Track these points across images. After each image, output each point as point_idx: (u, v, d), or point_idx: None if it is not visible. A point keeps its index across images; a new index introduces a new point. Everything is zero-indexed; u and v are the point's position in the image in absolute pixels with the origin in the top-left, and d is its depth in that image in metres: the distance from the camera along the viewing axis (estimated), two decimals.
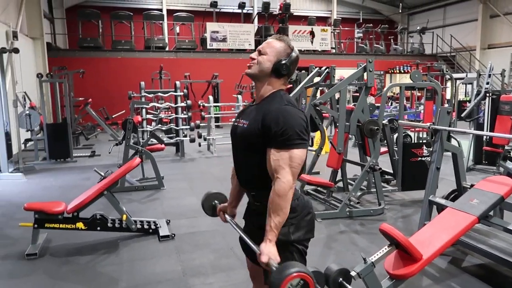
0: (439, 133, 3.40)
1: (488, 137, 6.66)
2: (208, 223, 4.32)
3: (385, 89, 5.01)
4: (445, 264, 3.25)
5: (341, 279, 2.80)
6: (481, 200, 2.90)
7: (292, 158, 1.60)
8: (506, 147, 4.49)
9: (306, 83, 5.14)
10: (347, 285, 2.73)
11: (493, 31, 16.60)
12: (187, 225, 4.26)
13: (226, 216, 2.04)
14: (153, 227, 4.01)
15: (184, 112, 8.54)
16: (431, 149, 4.84)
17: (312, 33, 16.14)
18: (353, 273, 2.72)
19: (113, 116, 11.53)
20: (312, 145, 7.11)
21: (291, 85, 6.39)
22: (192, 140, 8.39)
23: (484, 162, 6.87)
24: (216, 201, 2.17)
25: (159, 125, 8.17)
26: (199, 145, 9.06)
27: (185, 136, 8.54)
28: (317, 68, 5.33)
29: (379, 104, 6.13)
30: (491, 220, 2.94)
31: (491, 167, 6.61)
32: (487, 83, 6.59)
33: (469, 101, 11.55)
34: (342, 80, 4.51)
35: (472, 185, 3.40)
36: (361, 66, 4.35)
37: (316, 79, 5.39)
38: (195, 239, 3.87)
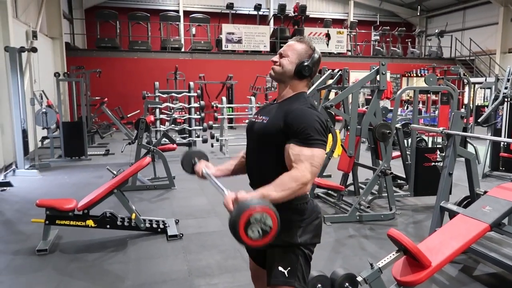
0: (452, 138, 3.33)
1: (505, 143, 6.50)
2: (216, 223, 4.34)
3: (398, 92, 4.93)
4: (455, 272, 3.18)
5: (347, 284, 2.78)
6: (494, 208, 2.82)
7: (314, 157, 1.59)
8: None
9: (319, 85, 5.11)
10: None
11: None
12: (195, 225, 4.27)
13: (203, 169, 1.97)
14: (161, 226, 4.03)
15: (198, 112, 8.59)
16: (444, 154, 4.76)
17: (328, 36, 16.05)
18: (359, 279, 2.68)
19: (128, 116, 11.67)
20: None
21: None
22: (205, 141, 8.42)
23: (501, 168, 6.70)
24: (196, 158, 2.12)
25: (173, 125, 8.24)
26: (212, 145, 9.09)
27: (198, 136, 8.58)
28: (330, 71, 5.29)
29: (393, 108, 6.05)
30: (503, 228, 2.85)
31: (508, 174, 6.45)
32: (506, 88, 6.43)
33: (487, 106, 11.32)
34: (355, 83, 4.47)
35: (485, 192, 3.32)
36: (374, 68, 4.30)
37: (330, 82, 5.35)
38: (202, 239, 3.88)
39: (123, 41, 14.92)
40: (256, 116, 1.86)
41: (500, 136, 6.68)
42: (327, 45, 16.14)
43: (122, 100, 12.64)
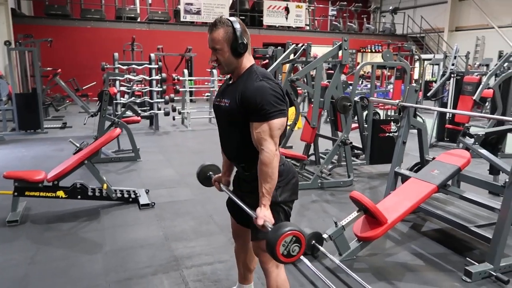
0: (406, 109, 3.65)
1: (450, 116, 7.07)
2: (187, 193, 4.48)
3: (358, 67, 5.21)
4: (406, 229, 3.57)
5: (313, 241, 3.05)
6: (441, 171, 3.19)
7: (272, 129, 1.75)
8: (466, 125, 4.83)
9: (283, 59, 5.27)
10: (319, 246, 3.00)
11: (461, 14, 17.14)
12: (166, 195, 4.39)
13: (221, 185, 2.20)
14: (133, 196, 4.12)
15: (159, 85, 8.51)
16: (398, 125, 5.14)
17: (287, 9, 16.12)
18: (325, 236, 2.97)
19: (84, 88, 11.28)
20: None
21: (267, 61, 6.50)
22: (167, 114, 8.39)
23: (446, 139, 7.30)
24: (210, 172, 2.34)
25: (133, 98, 8.13)
26: (173, 118, 9.08)
27: (159, 109, 8.53)
28: (294, 45, 5.46)
29: (351, 82, 6.37)
30: (448, 189, 3.24)
31: (452, 144, 7.04)
32: (453, 64, 6.94)
33: (435, 82, 12.05)
34: (317, 57, 4.68)
35: (433, 158, 3.71)
36: (336, 44, 4.52)
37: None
38: (175, 207, 4.02)
39: (75, 8, 14.17)
40: (219, 99, 1.95)
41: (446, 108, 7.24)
42: (286, 18, 16.23)
43: (76, 71, 12.13)
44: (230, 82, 1.95)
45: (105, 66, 8.06)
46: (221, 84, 2.16)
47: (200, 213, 3.88)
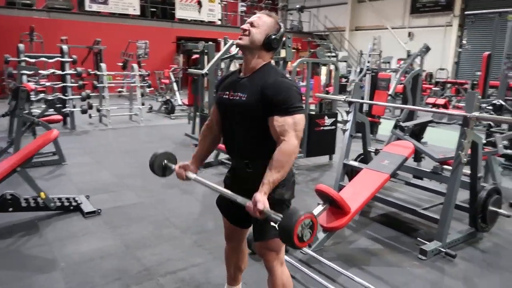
0: (353, 104, 3.90)
1: (367, 109, 7.71)
2: (132, 196, 4.22)
3: (294, 64, 5.40)
4: (357, 217, 3.82)
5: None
6: (391, 161, 3.48)
7: (296, 123, 1.75)
8: (397, 118, 5.34)
9: (222, 54, 5.22)
10: None
11: (360, 15, 18.69)
12: (109, 200, 4.07)
13: (188, 173, 2.03)
14: (74, 203, 3.74)
15: (73, 80, 7.79)
16: (332, 120, 5.47)
17: (199, 3, 15.90)
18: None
19: None
20: None
21: (198, 56, 6.36)
22: (84, 111, 7.71)
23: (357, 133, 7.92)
24: (165, 161, 2.13)
25: (43, 95, 7.31)
26: (90, 116, 8.39)
27: (74, 106, 7.81)
28: (232, 41, 5.43)
29: None
30: (397, 177, 3.56)
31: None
32: (368, 62, 7.56)
33: (345, 77, 13.01)
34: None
35: (376, 149, 4.03)
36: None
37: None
38: (125, 213, 3.75)
39: None
40: (227, 92, 1.89)
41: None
42: (199, 12, 16.02)
43: None
44: (241, 75, 1.90)
45: (8, 59, 7.11)
46: (219, 78, 2.08)
47: (155, 217, 3.68)
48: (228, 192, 1.84)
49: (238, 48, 5.23)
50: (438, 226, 3.16)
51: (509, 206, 4.10)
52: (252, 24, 1.84)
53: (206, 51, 6.09)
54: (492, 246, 3.30)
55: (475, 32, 14.33)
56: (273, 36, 1.83)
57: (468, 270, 2.91)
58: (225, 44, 5.48)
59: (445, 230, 3.10)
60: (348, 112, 3.97)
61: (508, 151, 5.21)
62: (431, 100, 9.28)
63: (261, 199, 1.67)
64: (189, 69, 5.78)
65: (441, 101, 9.12)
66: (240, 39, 1.85)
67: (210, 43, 6.48)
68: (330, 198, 3.06)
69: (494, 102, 5.30)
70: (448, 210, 3.10)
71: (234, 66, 5.83)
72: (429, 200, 3.97)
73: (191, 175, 2.01)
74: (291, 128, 1.73)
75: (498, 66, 7.33)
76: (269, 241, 1.91)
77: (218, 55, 5.11)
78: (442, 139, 6.79)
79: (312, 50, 8.96)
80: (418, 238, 3.23)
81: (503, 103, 5.25)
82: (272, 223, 1.87)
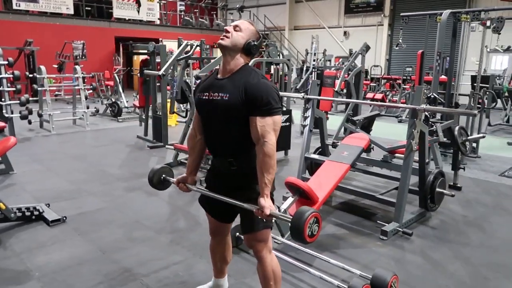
0: (311, 101, 4.14)
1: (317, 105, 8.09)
2: (95, 201, 4.13)
3: (250, 63, 5.53)
4: (322, 206, 4.02)
5: (237, 233, 3.24)
6: (350, 152, 3.77)
7: (275, 123, 1.89)
8: (348, 112, 5.71)
9: (178, 55, 5.23)
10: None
11: (298, 14, 19.33)
12: (71, 207, 3.94)
13: (188, 185, 2.17)
14: (36, 213, 3.58)
15: (9, 84, 7.29)
16: (286, 116, 5.70)
17: (138, 2, 15.50)
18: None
19: None
20: (185, 117, 7.19)
21: (148, 57, 6.28)
22: (24, 117, 7.26)
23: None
24: (164, 175, 2.26)
25: None
26: (29, 122, 7.91)
27: (12, 112, 7.32)
28: (186, 42, 5.45)
29: None
30: (356, 166, 3.85)
31: (316, 130, 8.07)
32: (314, 60, 7.94)
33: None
34: (173, 52, 4.76)
35: (333, 143, 4.31)
36: (182, 41, 4.71)
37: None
38: (91, 218, 3.67)
39: None
40: (207, 93, 1.98)
41: None
42: (138, 12, 15.62)
43: None
44: (219, 77, 1.98)
45: None
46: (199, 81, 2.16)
47: (123, 220, 3.65)
48: (234, 201, 1.93)
49: (193, 48, 5.28)
50: (395, 209, 3.49)
51: (449, 187, 4.59)
52: (235, 27, 1.95)
53: (157, 51, 6.05)
54: (440, 223, 3.71)
55: (404, 32, 15.45)
56: (253, 43, 1.94)
57: (423, 245, 3.26)
58: (179, 44, 5.48)
59: (402, 212, 3.44)
60: (306, 109, 4.20)
61: (444, 140, 5.78)
62: (370, 95, 9.91)
63: (266, 204, 1.81)
64: (145, 70, 5.69)
65: (379, 95, 9.78)
66: (222, 39, 1.94)
67: (161, 43, 6.44)
68: (300, 189, 3.26)
69: (429, 95, 5.86)
70: (403, 194, 3.44)
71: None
72: (383, 186, 4.34)
73: (191, 187, 2.14)
74: (271, 128, 1.86)
75: (428, 62, 8.08)
76: (258, 232, 2.04)
77: (174, 55, 5.11)
78: (384, 132, 7.33)
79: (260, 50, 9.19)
80: (378, 221, 3.55)
81: (436, 95, 5.83)
82: (259, 217, 1.98)
